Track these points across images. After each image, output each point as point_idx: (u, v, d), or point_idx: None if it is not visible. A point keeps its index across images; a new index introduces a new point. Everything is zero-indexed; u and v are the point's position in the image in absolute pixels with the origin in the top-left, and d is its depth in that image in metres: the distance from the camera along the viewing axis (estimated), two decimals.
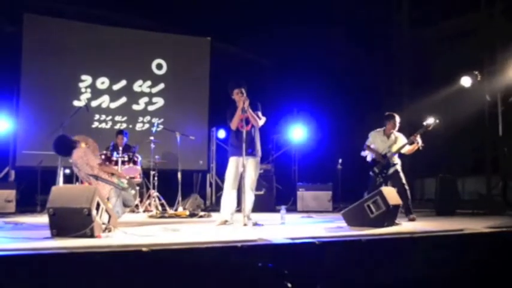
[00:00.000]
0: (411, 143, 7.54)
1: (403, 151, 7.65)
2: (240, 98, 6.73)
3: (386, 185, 7.50)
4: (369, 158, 7.87)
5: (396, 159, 7.70)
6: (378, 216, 6.05)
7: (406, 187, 7.51)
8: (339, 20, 13.01)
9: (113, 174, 6.86)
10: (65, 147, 6.93)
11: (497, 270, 5.26)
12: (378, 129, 7.93)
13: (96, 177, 6.71)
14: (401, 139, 7.76)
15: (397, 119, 7.78)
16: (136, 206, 8.92)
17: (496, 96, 10.59)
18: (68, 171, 9.39)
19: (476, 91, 10.45)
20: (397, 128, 7.81)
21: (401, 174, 7.60)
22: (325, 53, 13.20)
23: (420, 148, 7.52)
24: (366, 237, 5.10)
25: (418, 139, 7.45)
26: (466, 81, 10.16)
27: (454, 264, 4.89)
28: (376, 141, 7.85)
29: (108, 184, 6.72)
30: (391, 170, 7.62)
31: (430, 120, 7.49)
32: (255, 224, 6.37)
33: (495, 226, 6.45)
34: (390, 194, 6.33)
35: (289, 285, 3.81)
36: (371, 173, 7.74)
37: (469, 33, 11.45)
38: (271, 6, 11.19)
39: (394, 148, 7.66)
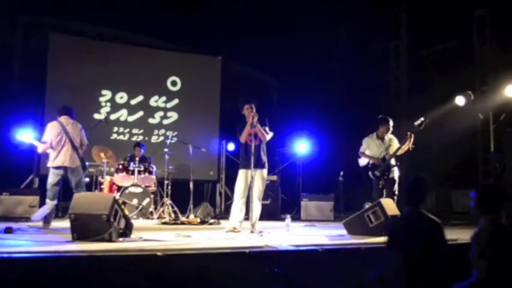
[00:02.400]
0: (405, 142, 7.29)
1: (397, 152, 7.45)
2: (250, 113, 6.75)
3: (388, 187, 7.37)
4: (363, 163, 7.67)
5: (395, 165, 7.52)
6: (377, 226, 6.02)
7: (395, 198, 7.40)
8: (339, 43, 13.08)
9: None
10: (67, 110, 7.44)
11: None
12: (370, 135, 7.75)
13: (77, 150, 7.13)
14: (395, 141, 7.59)
15: (391, 122, 7.65)
16: (151, 212, 8.93)
17: (488, 115, 10.57)
18: (87, 179, 9.39)
19: (469, 110, 10.43)
20: (390, 132, 7.67)
21: (396, 185, 7.42)
22: (328, 72, 13.27)
23: (410, 149, 7.30)
24: (366, 245, 5.08)
25: (412, 138, 7.21)
26: (460, 100, 10.14)
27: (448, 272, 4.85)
28: (371, 146, 7.66)
29: (79, 160, 7.14)
30: (391, 175, 7.43)
31: (419, 120, 7.27)
32: (262, 232, 6.37)
33: None
34: (389, 205, 6.31)
35: None
36: (372, 176, 7.52)
37: (462, 56, 11.44)
38: (278, 30, 11.21)
39: (391, 150, 7.48)
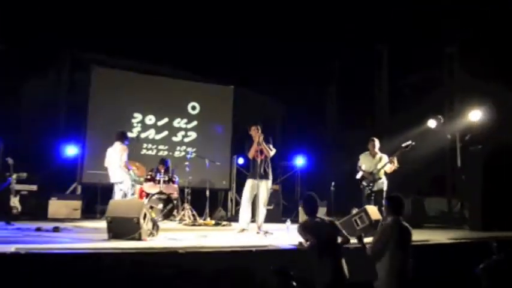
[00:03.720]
0: (390, 162, 7.38)
1: (386, 169, 7.47)
2: (256, 133, 6.84)
3: (374, 196, 7.40)
4: (358, 176, 7.75)
5: (383, 178, 7.54)
6: (363, 229, 6.03)
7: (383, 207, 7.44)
8: (332, 76, 13.22)
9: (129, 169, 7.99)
10: (120, 135, 8.15)
11: (457, 274, 5.21)
12: (365, 152, 7.83)
13: (119, 168, 7.83)
14: (384, 159, 7.61)
15: (376, 142, 7.73)
16: (174, 216, 8.93)
17: (455, 135, 10.61)
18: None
19: (439, 131, 10.46)
20: (377, 148, 7.72)
21: (385, 195, 7.49)
22: (323, 98, 13.40)
23: (396, 168, 7.37)
24: (353, 245, 5.07)
25: (395, 160, 7.29)
26: (431, 123, 10.19)
27: (420, 270, 4.82)
28: (364, 161, 7.74)
29: (127, 174, 7.91)
30: (377, 187, 7.46)
31: (407, 143, 7.31)
32: (266, 233, 6.39)
33: (455, 238, 6.41)
34: (373, 211, 6.33)
35: (294, 283, 3.81)
36: (361, 186, 7.59)
37: (433, 83, 11.45)
38: (283, 63, 11.30)
39: (379, 166, 7.53)
